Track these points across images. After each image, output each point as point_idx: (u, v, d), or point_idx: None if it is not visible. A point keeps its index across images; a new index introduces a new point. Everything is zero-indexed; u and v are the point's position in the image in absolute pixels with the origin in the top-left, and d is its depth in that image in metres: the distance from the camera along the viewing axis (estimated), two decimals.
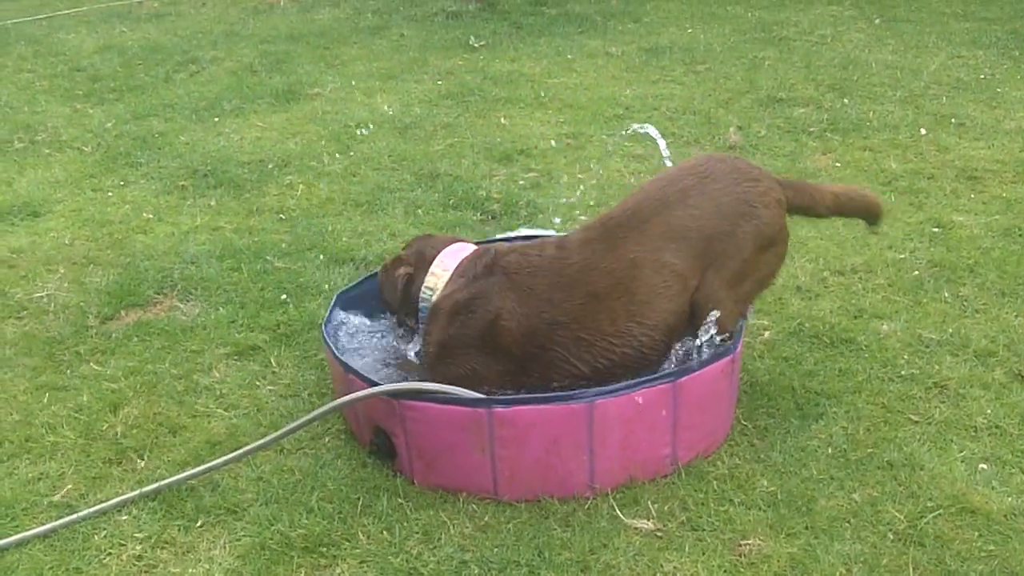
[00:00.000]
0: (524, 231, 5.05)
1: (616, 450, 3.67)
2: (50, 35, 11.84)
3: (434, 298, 4.06)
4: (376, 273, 4.43)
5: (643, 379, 3.70)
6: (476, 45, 10.43)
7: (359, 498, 3.72)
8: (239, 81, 9.45)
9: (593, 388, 3.66)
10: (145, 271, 5.56)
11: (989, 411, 4.13)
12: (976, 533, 3.47)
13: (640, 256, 3.86)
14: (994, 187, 6.31)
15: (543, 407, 3.59)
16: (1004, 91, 8.18)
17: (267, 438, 3.95)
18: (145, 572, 3.47)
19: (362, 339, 4.45)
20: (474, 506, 3.67)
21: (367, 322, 4.51)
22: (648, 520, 3.58)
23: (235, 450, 3.95)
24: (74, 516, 3.69)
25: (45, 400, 4.44)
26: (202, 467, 3.87)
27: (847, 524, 3.53)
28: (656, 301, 3.87)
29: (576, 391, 3.68)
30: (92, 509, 3.72)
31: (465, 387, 3.71)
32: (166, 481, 3.83)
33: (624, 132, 7.30)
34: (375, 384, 3.77)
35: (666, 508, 3.63)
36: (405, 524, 3.59)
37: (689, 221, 3.88)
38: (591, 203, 6.21)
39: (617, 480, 3.72)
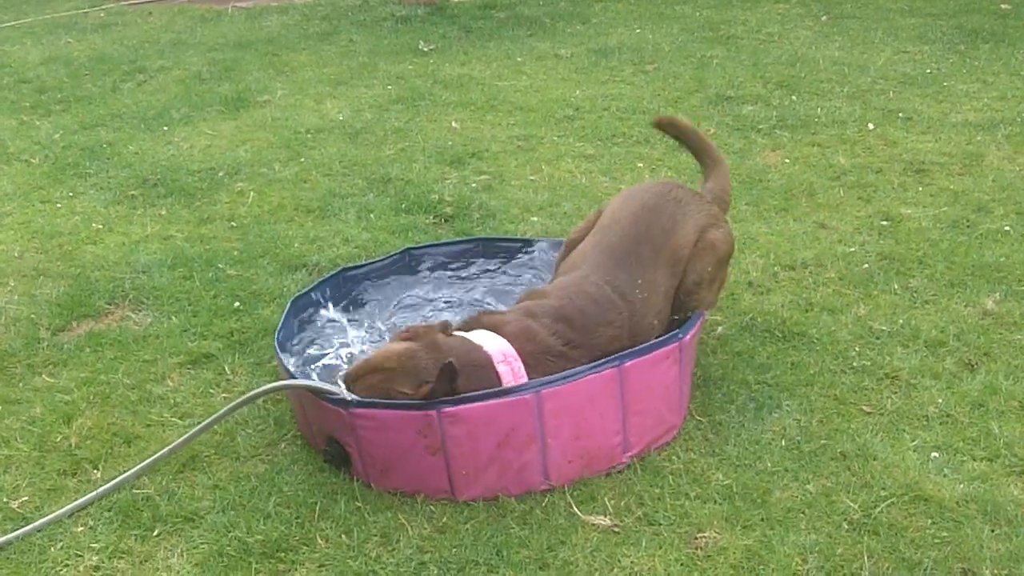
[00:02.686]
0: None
1: (568, 439, 3.69)
2: None
3: None
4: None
5: (588, 366, 3.73)
6: (426, 49, 10.42)
7: (316, 502, 3.72)
8: (188, 90, 9.40)
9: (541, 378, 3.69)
10: (96, 282, 5.53)
11: (940, 400, 4.18)
12: (929, 520, 3.52)
13: (654, 282, 4.17)
14: (941, 179, 6.38)
15: (491, 402, 3.60)
16: (950, 85, 8.27)
17: (202, 424, 4.02)
18: None
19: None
20: (432, 507, 3.68)
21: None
22: (605, 516, 3.59)
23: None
24: (27, 528, 3.67)
25: None
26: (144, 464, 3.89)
27: (802, 515, 3.57)
28: (662, 315, 4.21)
29: (522, 383, 3.69)
30: (45, 519, 3.70)
31: None
32: (112, 483, 3.82)
33: None
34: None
35: (622, 504, 3.65)
36: (363, 527, 3.59)
37: (682, 240, 4.25)
38: (543, 204, 6.23)
39: (572, 472, 3.74)
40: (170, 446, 3.97)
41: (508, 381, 3.70)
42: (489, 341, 3.80)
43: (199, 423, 4.23)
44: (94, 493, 3.82)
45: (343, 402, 3.69)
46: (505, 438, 3.63)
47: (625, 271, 4.12)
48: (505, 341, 3.80)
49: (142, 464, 3.94)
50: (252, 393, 3.92)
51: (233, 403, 3.96)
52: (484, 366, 3.71)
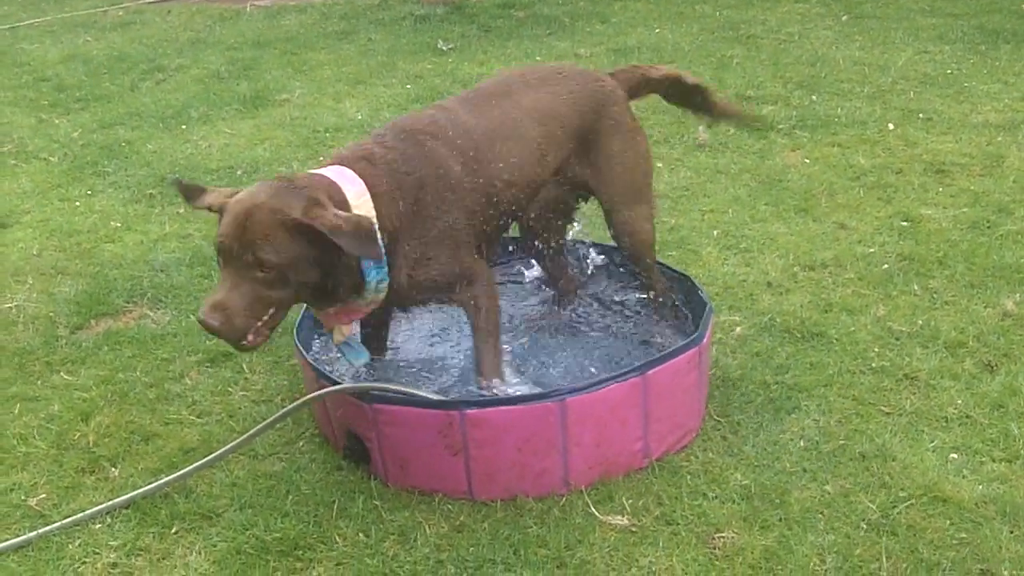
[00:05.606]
0: None
1: (589, 446, 3.68)
2: (13, 45, 11.76)
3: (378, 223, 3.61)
4: None
5: (612, 374, 3.72)
6: (444, 49, 10.41)
7: (334, 501, 3.72)
8: (206, 88, 9.41)
9: (566, 386, 3.68)
10: (114, 280, 5.54)
11: (959, 401, 4.16)
12: (948, 521, 3.50)
13: (518, 115, 4.06)
14: (962, 180, 6.35)
15: (515, 407, 3.61)
16: (971, 85, 8.23)
17: (235, 441, 3.96)
18: None
19: None
20: (449, 506, 3.68)
21: None
22: (622, 516, 3.59)
23: (207, 456, 3.94)
24: (45, 528, 3.68)
25: (16, 411, 4.42)
26: (173, 475, 3.88)
27: (820, 515, 3.56)
28: (529, 165, 4.04)
29: (548, 390, 3.70)
30: (64, 521, 3.71)
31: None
32: (138, 491, 3.82)
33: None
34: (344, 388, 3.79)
35: (640, 503, 3.65)
36: (381, 526, 3.60)
37: (549, 104, 4.14)
38: None
39: (591, 477, 3.73)
40: (233, 443, 3.98)
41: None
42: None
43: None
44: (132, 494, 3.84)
45: (440, 403, 3.70)
46: (527, 443, 3.63)
47: (466, 103, 4.06)
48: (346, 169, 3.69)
49: (206, 459, 3.94)
50: (310, 396, 3.92)
51: (290, 406, 3.98)
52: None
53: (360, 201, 3.59)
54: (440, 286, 3.84)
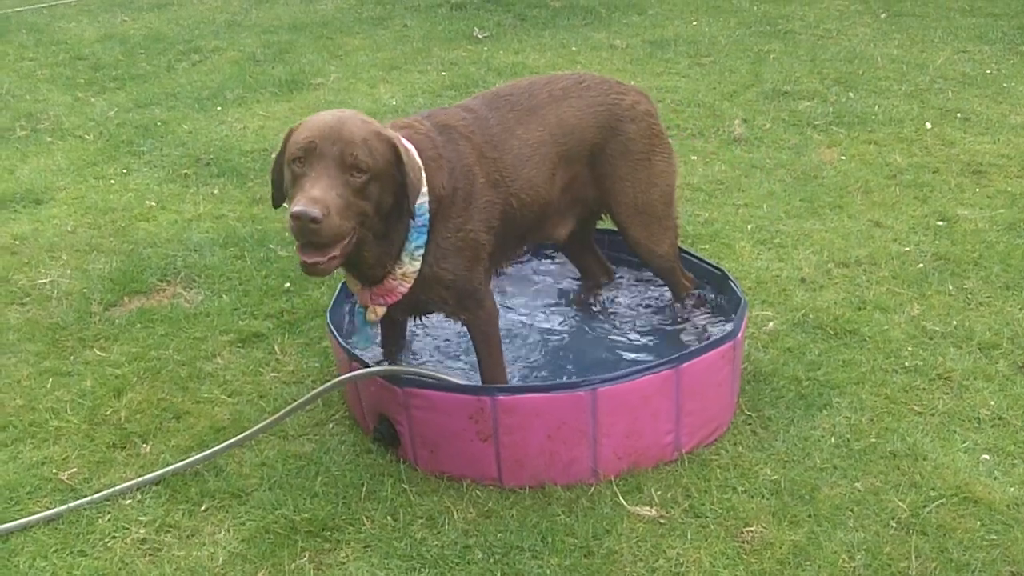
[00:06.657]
0: None
1: (620, 437, 3.68)
2: (51, 24, 11.80)
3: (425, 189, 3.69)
4: None
5: (645, 365, 3.71)
6: (480, 37, 10.40)
7: (363, 483, 3.73)
8: (242, 70, 9.43)
9: (598, 376, 3.68)
10: (148, 258, 5.56)
11: (992, 403, 4.14)
12: (978, 522, 3.49)
13: (542, 135, 4.03)
14: (999, 181, 6.31)
15: (547, 395, 3.61)
16: (1010, 86, 8.16)
17: (266, 421, 3.97)
18: (149, 555, 3.49)
19: None
20: (478, 492, 3.69)
21: None
22: (651, 507, 3.59)
23: (238, 434, 3.96)
24: (77, 502, 3.71)
25: (49, 385, 4.45)
26: (203, 454, 3.89)
27: (850, 512, 3.55)
28: (543, 187, 4.04)
29: (580, 379, 3.69)
30: (95, 496, 3.74)
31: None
32: (169, 468, 3.84)
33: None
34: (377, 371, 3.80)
35: (669, 495, 3.64)
36: (409, 509, 3.60)
37: (572, 120, 4.10)
38: None
39: (620, 467, 3.73)
40: (266, 422, 3.99)
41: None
42: None
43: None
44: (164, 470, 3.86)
45: (472, 389, 3.71)
46: (557, 431, 3.63)
47: (493, 110, 4.03)
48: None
49: (241, 436, 3.96)
50: (346, 377, 3.91)
51: (325, 386, 3.96)
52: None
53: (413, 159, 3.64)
54: (448, 293, 3.84)
